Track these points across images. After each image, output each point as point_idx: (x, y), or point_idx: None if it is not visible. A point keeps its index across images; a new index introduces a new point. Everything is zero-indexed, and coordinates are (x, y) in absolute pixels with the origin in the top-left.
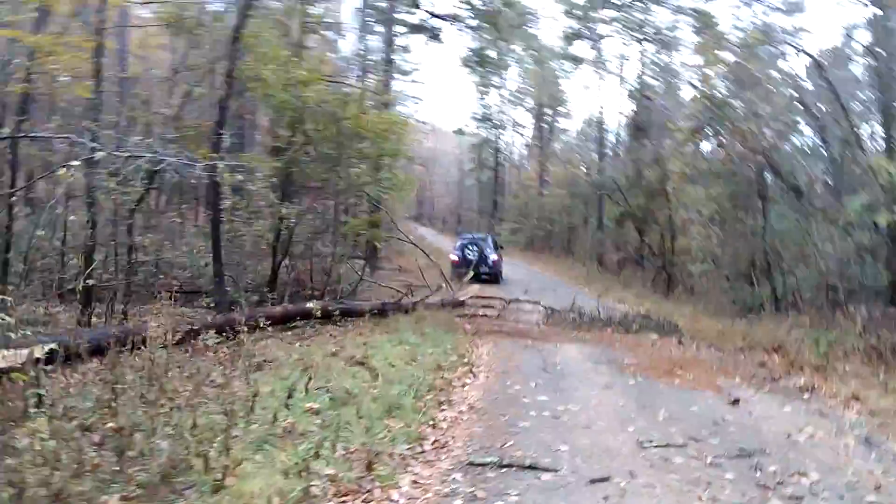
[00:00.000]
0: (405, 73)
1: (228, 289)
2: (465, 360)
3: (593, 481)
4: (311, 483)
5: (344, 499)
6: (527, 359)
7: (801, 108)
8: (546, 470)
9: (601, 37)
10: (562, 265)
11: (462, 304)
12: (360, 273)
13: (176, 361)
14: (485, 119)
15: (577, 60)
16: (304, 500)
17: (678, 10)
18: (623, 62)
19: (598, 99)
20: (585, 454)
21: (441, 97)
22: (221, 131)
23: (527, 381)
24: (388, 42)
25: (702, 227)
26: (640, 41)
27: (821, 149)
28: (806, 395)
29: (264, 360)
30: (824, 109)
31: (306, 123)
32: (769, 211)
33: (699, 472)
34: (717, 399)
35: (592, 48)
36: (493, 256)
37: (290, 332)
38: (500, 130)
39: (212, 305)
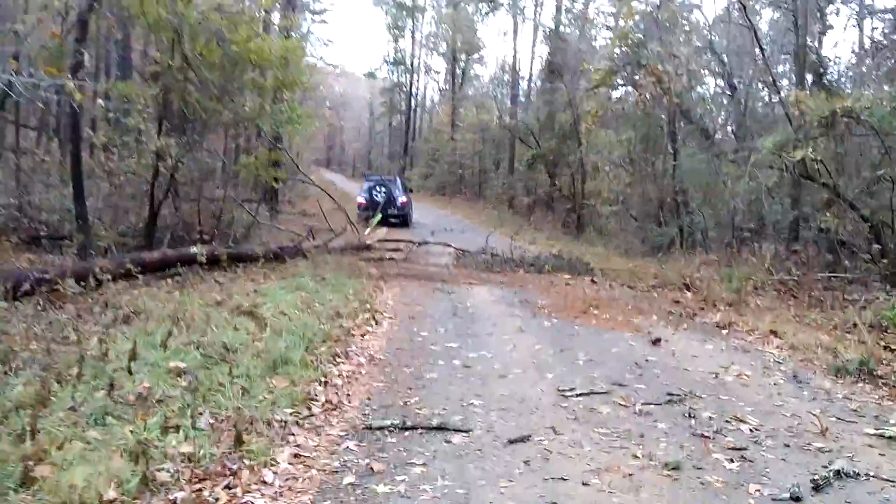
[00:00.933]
0: (315, 12)
1: (101, 233)
2: (368, 306)
3: (511, 441)
4: (160, 466)
5: (200, 484)
6: (436, 303)
7: (712, 54)
8: (457, 431)
9: None
10: (473, 209)
11: (368, 247)
12: (254, 216)
13: (22, 316)
14: (397, 63)
15: (493, 3)
16: (147, 490)
17: None
18: (540, 7)
19: (513, 45)
20: (501, 408)
21: (353, 40)
22: (80, 49)
23: (435, 326)
24: None
25: (612, 170)
26: None
27: (727, 94)
28: (724, 332)
29: (133, 312)
30: (732, 57)
31: (185, 45)
32: (679, 153)
33: (629, 424)
34: (636, 339)
35: None
36: (402, 198)
37: (169, 281)
38: (413, 75)
39: (76, 252)
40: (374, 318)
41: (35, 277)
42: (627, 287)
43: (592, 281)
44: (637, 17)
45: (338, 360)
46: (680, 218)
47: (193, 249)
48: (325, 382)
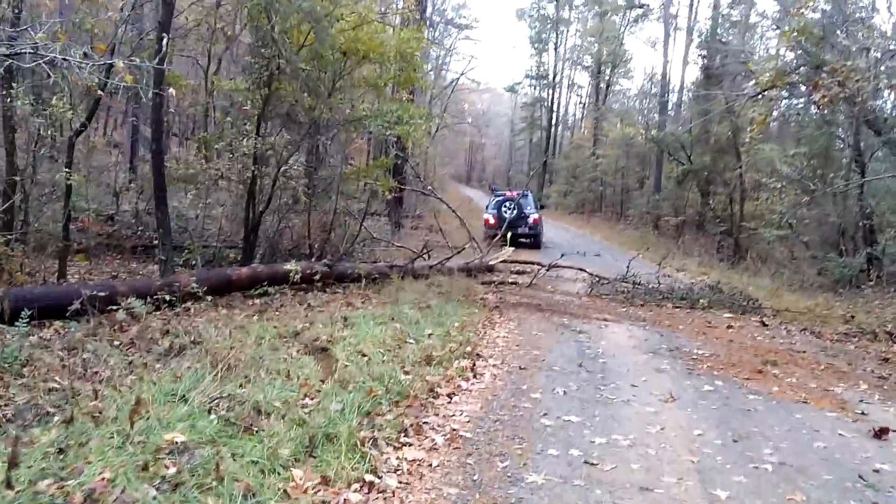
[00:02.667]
0: (461, 27)
1: (194, 245)
2: (470, 348)
3: None
4: None
5: None
6: (558, 346)
7: None
8: None
9: None
10: (613, 229)
11: (490, 269)
12: (359, 229)
13: (65, 342)
14: (539, 77)
15: (642, 12)
16: None
17: None
18: (695, 14)
19: (663, 54)
20: None
21: (496, 54)
22: (164, 34)
23: (552, 384)
24: None
25: (778, 189)
26: None
27: None
28: None
29: (193, 342)
30: None
31: (275, 29)
32: (867, 169)
33: None
34: (845, 423)
35: None
36: (533, 216)
37: (258, 301)
38: (555, 89)
39: (159, 266)
40: (473, 366)
41: (88, 295)
42: (811, 334)
43: (762, 323)
44: (817, 6)
45: (404, 437)
46: (871, 247)
47: (287, 266)
48: (371, 484)
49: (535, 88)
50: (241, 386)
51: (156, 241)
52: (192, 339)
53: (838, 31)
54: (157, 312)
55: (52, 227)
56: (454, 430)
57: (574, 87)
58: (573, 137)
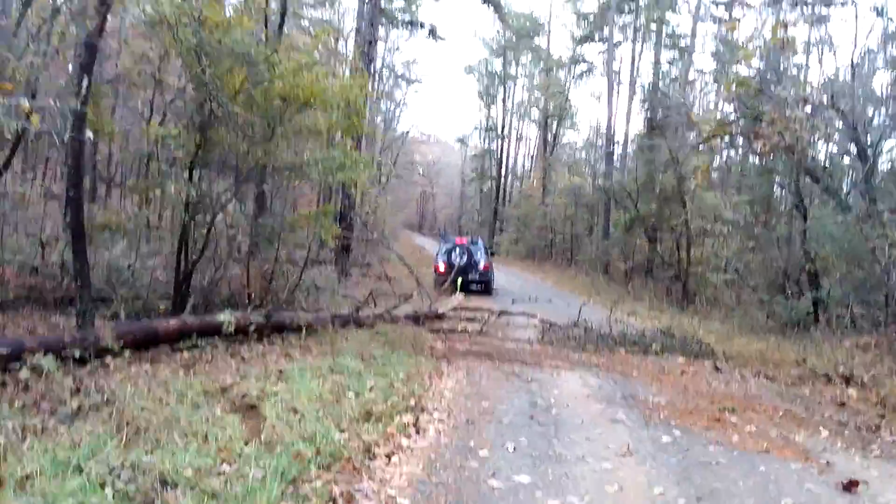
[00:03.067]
0: (411, 81)
1: (123, 294)
2: (414, 401)
3: None
4: None
5: None
6: (509, 396)
7: (833, 111)
8: None
9: (616, 44)
10: (564, 275)
11: (440, 317)
12: (299, 277)
13: None
14: (488, 129)
15: (586, 65)
16: None
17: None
18: (637, 71)
19: (607, 107)
20: None
21: (447, 108)
22: (84, 76)
23: (502, 439)
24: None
25: (723, 235)
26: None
27: (852, 153)
28: None
29: (105, 401)
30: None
31: (206, 72)
32: (809, 215)
33: None
34: (811, 475)
35: (603, 53)
36: (483, 262)
37: (186, 355)
38: (504, 141)
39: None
40: (416, 420)
41: None
42: (765, 378)
43: (716, 368)
44: (756, 60)
45: None
46: (817, 290)
47: (220, 317)
48: None
49: (484, 140)
50: (149, 452)
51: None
52: (105, 398)
53: (773, 85)
54: (73, 369)
55: None
56: (390, 497)
57: (523, 138)
58: (522, 187)
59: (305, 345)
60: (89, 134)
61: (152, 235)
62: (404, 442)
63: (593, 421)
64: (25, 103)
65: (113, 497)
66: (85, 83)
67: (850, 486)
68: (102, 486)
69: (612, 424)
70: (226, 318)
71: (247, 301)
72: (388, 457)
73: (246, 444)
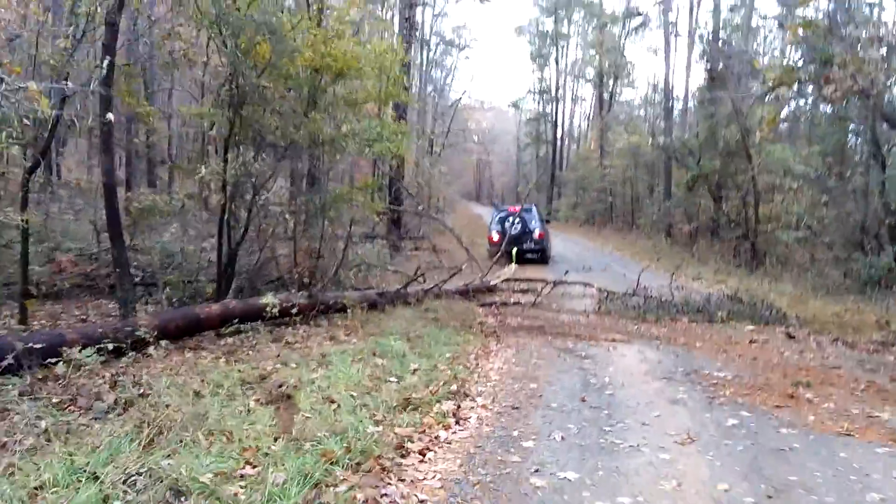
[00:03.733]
0: (461, 47)
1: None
2: (456, 386)
3: None
4: None
5: None
6: (559, 375)
7: None
8: None
9: None
10: (625, 239)
11: (492, 289)
12: (343, 254)
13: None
14: (542, 92)
15: (641, 17)
16: None
17: None
18: (695, 20)
19: (664, 62)
20: None
21: (498, 72)
22: (107, 56)
23: (548, 426)
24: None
25: (794, 190)
26: None
27: None
28: None
29: (141, 395)
30: None
31: (227, 42)
32: (888, 163)
33: None
34: None
35: (659, 4)
36: (538, 229)
37: (230, 340)
38: (559, 103)
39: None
40: (458, 408)
41: (23, 347)
42: (843, 345)
43: (789, 335)
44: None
45: None
46: None
47: (263, 300)
48: None
49: (538, 103)
50: (168, 455)
51: (140, 279)
52: (141, 391)
53: (843, 26)
54: (113, 361)
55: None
56: (421, 502)
57: (578, 99)
58: (579, 149)
59: (351, 325)
60: (110, 116)
61: (203, 218)
62: (442, 434)
63: (651, 402)
64: (33, 86)
65: None
66: (106, 63)
67: None
68: (105, 501)
69: (672, 406)
70: (269, 300)
71: (294, 281)
72: (423, 453)
73: (275, 440)
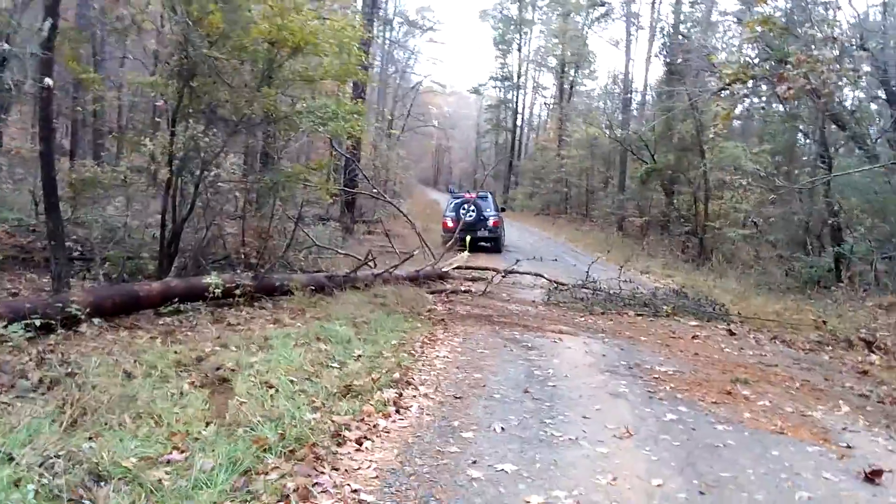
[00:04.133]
0: (424, 29)
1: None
2: (399, 374)
3: None
4: None
5: None
6: (505, 365)
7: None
8: None
9: None
10: (578, 231)
11: (443, 277)
12: (292, 235)
13: None
14: (504, 79)
15: (605, 7)
16: None
17: None
18: (657, 13)
19: (625, 55)
20: None
21: (460, 57)
22: (50, 18)
23: (490, 417)
24: None
25: (743, 187)
26: None
27: (882, 98)
28: None
29: (68, 374)
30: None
31: (177, 8)
32: (834, 165)
33: None
34: (830, 461)
35: None
36: (493, 217)
37: (168, 320)
38: (520, 91)
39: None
40: (399, 396)
41: None
42: (781, 343)
43: (730, 332)
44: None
45: None
46: (839, 246)
47: (207, 280)
48: None
49: (500, 90)
50: (92, 438)
51: (79, 254)
52: (70, 370)
53: (798, 26)
54: (42, 338)
55: None
56: (354, 491)
57: (539, 88)
58: (538, 139)
59: (297, 307)
60: (48, 81)
61: (151, 193)
62: (381, 423)
63: (593, 395)
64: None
65: (34, 496)
66: (48, 25)
67: (873, 475)
68: (17, 483)
69: (613, 399)
70: (212, 280)
71: (241, 261)
72: (360, 441)
73: (207, 425)
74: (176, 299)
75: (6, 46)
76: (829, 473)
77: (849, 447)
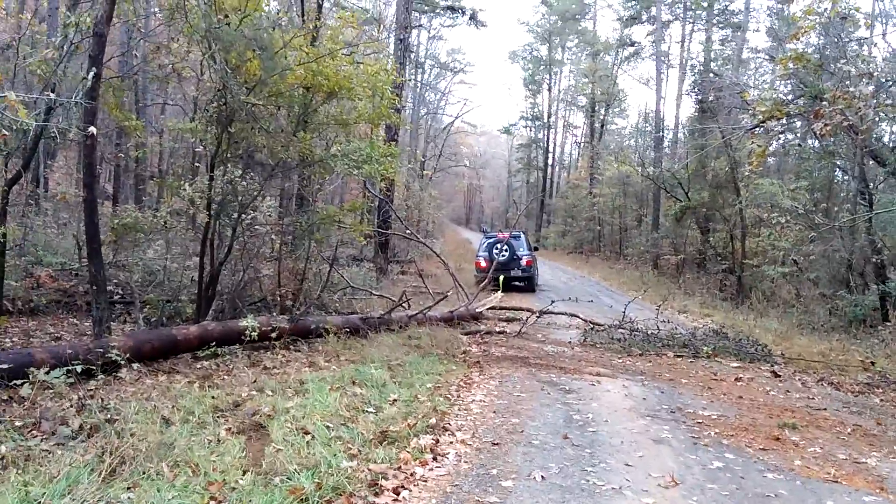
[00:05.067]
0: (456, 71)
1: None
2: (439, 416)
3: None
4: None
5: None
6: (542, 410)
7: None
8: None
9: (663, 23)
10: (612, 269)
11: (478, 317)
12: (328, 276)
13: None
14: (534, 118)
15: (634, 47)
16: None
17: None
18: (686, 51)
19: (655, 93)
20: None
21: (492, 98)
22: (93, 68)
23: (529, 465)
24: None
25: (780, 224)
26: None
27: None
28: None
29: (108, 420)
30: None
31: (216, 56)
32: (875, 201)
33: None
34: None
35: (652, 34)
36: (526, 257)
37: (206, 364)
38: (550, 130)
39: (93, 325)
40: (436, 443)
41: None
42: (829, 385)
43: (774, 374)
44: (814, 36)
45: None
46: (884, 283)
47: (243, 322)
48: None
49: (530, 129)
50: (129, 488)
51: (120, 297)
52: (109, 416)
53: (832, 62)
54: (83, 382)
55: None
56: None
57: (569, 127)
58: (570, 177)
59: (333, 350)
60: (92, 129)
61: (189, 236)
62: (418, 471)
63: (635, 441)
64: (12, 95)
65: None
66: (92, 75)
67: None
68: None
69: (656, 445)
70: (249, 323)
71: (277, 303)
72: (397, 491)
73: (244, 474)
74: (213, 343)
75: (52, 96)
76: None
77: None
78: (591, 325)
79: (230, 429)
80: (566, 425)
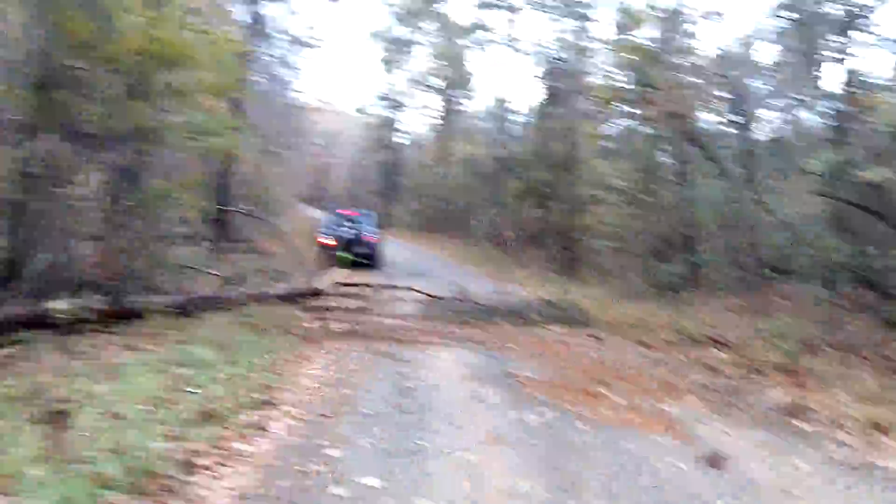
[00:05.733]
0: (309, 46)
1: None
2: (269, 392)
3: None
4: None
5: None
6: (376, 380)
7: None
8: None
9: (515, 8)
10: (458, 246)
11: (318, 294)
12: (156, 257)
13: None
14: (390, 99)
15: (489, 32)
16: None
17: None
18: (539, 36)
19: (507, 77)
20: None
21: (347, 76)
22: None
23: (358, 434)
24: None
25: (610, 202)
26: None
27: (735, 123)
28: (803, 425)
29: None
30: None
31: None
32: (689, 181)
33: None
34: (678, 450)
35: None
36: (372, 234)
37: (5, 351)
38: (403, 110)
39: None
40: (263, 419)
41: None
42: (639, 344)
43: (595, 338)
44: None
45: None
46: (692, 254)
47: (52, 305)
48: None
49: (385, 109)
50: None
51: None
52: None
53: (668, 52)
54: None
55: None
56: None
57: (423, 108)
58: (421, 157)
59: (158, 332)
60: None
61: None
62: (240, 446)
63: (462, 403)
64: None
65: None
66: None
67: (714, 462)
68: None
69: (482, 408)
70: (59, 305)
71: (98, 284)
72: (215, 468)
73: (43, 464)
74: (18, 327)
75: None
76: (677, 462)
77: (695, 436)
78: (432, 299)
79: (29, 417)
80: (399, 394)
